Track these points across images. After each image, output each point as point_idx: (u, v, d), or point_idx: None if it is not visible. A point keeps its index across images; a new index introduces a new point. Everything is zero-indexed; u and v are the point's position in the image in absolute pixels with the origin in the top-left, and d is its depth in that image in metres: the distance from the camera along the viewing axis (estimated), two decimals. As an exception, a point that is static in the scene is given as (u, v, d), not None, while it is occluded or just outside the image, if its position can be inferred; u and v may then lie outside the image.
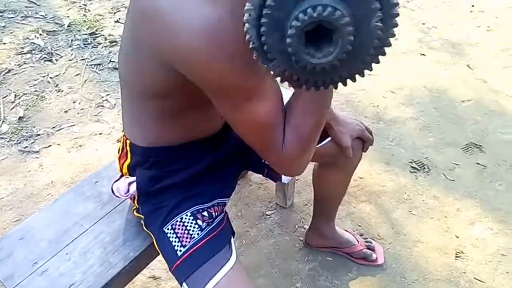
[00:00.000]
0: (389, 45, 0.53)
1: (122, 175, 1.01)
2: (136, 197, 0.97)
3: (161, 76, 0.74)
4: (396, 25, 0.52)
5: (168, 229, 0.93)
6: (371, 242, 1.52)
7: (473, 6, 3.20)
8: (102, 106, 2.14)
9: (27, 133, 1.96)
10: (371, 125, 2.10)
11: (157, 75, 0.74)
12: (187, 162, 0.96)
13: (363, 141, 1.18)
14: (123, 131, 0.98)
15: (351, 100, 2.25)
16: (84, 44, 2.55)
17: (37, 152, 1.88)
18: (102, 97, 2.20)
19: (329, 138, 1.14)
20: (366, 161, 1.87)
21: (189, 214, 0.94)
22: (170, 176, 0.95)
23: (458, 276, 1.47)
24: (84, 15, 2.81)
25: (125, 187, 0.96)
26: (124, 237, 1.05)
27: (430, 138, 2.05)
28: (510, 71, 2.53)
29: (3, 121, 2.01)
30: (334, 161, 1.20)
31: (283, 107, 0.77)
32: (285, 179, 1.32)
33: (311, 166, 1.52)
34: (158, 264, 1.45)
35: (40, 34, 2.58)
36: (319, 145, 1.14)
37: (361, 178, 1.81)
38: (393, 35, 0.52)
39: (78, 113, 2.09)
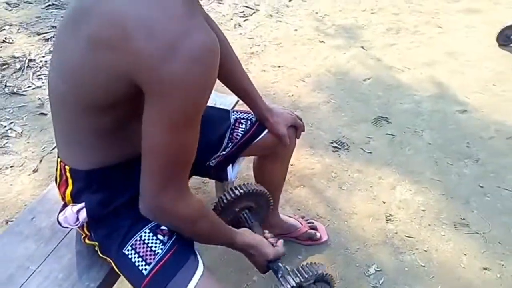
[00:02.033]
0: None
1: (65, 204, 0.95)
2: (85, 224, 0.92)
3: (115, 86, 0.72)
4: None
5: (128, 250, 0.90)
6: (312, 222, 1.62)
7: (356, -8, 3.50)
8: (7, 136, 1.95)
9: None
10: (290, 113, 2.21)
11: (112, 85, 0.72)
12: (134, 178, 0.93)
13: (296, 128, 1.26)
14: (58, 156, 0.92)
15: (267, 93, 2.34)
16: (-31, 71, 2.28)
17: None
18: (5, 126, 1.99)
19: (266, 131, 1.19)
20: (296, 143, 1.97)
21: (147, 231, 0.91)
22: (120, 196, 0.91)
23: (392, 237, 1.63)
24: (-38, 38, 2.51)
25: (73, 216, 0.90)
26: (78, 270, 0.98)
27: (343, 117, 2.22)
28: (397, 48, 2.83)
29: None
30: (272, 151, 1.26)
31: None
32: (232, 175, 1.33)
33: (249, 160, 1.56)
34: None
35: None
36: (259, 137, 1.19)
37: (292, 165, 1.90)
38: None
39: (-21, 148, 1.88)
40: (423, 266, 1.53)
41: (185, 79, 0.66)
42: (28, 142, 1.92)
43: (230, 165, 1.22)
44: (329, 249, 1.59)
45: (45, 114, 2.07)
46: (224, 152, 1.18)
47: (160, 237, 0.91)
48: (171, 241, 0.91)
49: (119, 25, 0.66)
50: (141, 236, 0.90)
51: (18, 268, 0.97)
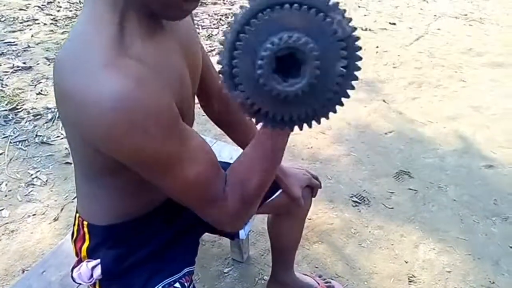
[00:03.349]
0: (347, 95, 0.57)
1: (80, 260, 0.95)
2: (97, 281, 0.92)
3: (96, 154, 0.70)
4: (356, 78, 0.55)
5: None
6: (330, 282, 1.56)
7: (377, 47, 3.57)
8: (33, 184, 2.01)
9: None
10: (308, 166, 2.20)
11: (92, 154, 0.71)
12: (150, 233, 0.93)
13: (312, 188, 1.23)
14: (76, 212, 0.93)
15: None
16: (4, 121, 2.41)
17: (-39, 246, 1.69)
18: (31, 174, 2.06)
19: (280, 190, 1.18)
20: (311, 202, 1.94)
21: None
22: (136, 251, 0.91)
23: (414, 300, 1.54)
24: (2, 90, 2.67)
25: (88, 273, 0.90)
26: (83, 328, 0.97)
27: (364, 171, 2.19)
28: (419, 101, 2.82)
29: None
30: (287, 210, 1.23)
31: (215, 160, 0.75)
32: (242, 234, 1.32)
33: (263, 216, 1.54)
34: None
35: (-48, 116, 2.40)
36: (271, 198, 1.17)
37: (309, 219, 1.87)
38: (353, 87, 0.56)
39: (6, 196, 1.94)
40: (449, 334, 1.42)
41: (118, 134, 0.60)
42: (51, 191, 1.97)
43: None
44: (347, 311, 1.51)
45: (70, 163, 2.14)
46: None
47: None
48: None
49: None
50: None
51: (24, 324, 0.97)
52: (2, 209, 1.87)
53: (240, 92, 0.56)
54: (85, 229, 0.90)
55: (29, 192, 1.97)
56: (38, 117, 2.46)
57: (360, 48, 0.55)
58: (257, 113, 0.58)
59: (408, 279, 1.62)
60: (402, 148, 2.36)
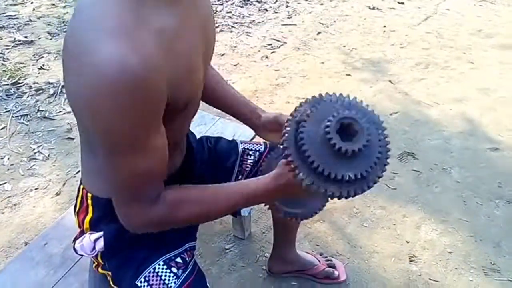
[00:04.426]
0: (380, 173, 0.68)
1: (82, 231, 0.94)
2: (99, 253, 0.92)
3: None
4: (384, 167, 0.68)
5: (141, 282, 0.88)
6: (331, 260, 1.56)
7: (385, 26, 3.50)
8: (35, 158, 2.01)
9: (-50, 198, 1.77)
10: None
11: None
12: None
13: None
14: (81, 183, 0.92)
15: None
16: (6, 95, 2.39)
17: (-36, 218, 1.70)
18: (33, 149, 2.06)
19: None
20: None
21: (161, 263, 0.90)
22: None
23: (415, 280, 1.54)
24: (3, 64, 2.65)
25: (90, 245, 0.90)
26: (85, 299, 0.98)
27: (368, 151, 2.17)
28: (426, 83, 2.78)
29: None
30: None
31: (165, 165, 0.73)
32: (244, 212, 1.31)
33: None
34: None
35: (-46, 89, 2.39)
36: None
37: (312, 198, 1.86)
38: (382, 172, 0.68)
39: (8, 169, 1.94)
40: (449, 314, 1.43)
41: (94, 98, 0.58)
42: (53, 165, 1.97)
43: None
44: (347, 289, 1.51)
45: (72, 139, 2.13)
46: None
47: (174, 270, 0.90)
48: (185, 275, 0.90)
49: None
50: (154, 268, 0.89)
51: (26, 294, 0.98)
52: (5, 183, 1.87)
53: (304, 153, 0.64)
54: (89, 201, 0.89)
55: (31, 167, 1.96)
56: (40, 92, 2.44)
57: (388, 157, 0.68)
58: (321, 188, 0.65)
59: (409, 258, 1.62)
60: (407, 129, 2.33)
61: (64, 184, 1.87)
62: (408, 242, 1.69)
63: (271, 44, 3.19)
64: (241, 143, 1.21)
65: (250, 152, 1.18)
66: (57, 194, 1.83)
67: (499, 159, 2.13)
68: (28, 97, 2.40)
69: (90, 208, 0.90)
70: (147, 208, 0.73)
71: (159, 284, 0.87)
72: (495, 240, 1.69)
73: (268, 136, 1.07)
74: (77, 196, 0.94)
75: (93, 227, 0.91)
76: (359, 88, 2.68)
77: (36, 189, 1.85)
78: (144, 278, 0.88)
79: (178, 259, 0.91)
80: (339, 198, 0.66)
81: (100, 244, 0.89)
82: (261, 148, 1.20)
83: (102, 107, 0.58)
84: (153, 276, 0.88)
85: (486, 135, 2.30)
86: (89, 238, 0.89)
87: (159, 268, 0.89)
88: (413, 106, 2.54)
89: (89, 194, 0.89)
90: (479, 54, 3.12)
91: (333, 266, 1.53)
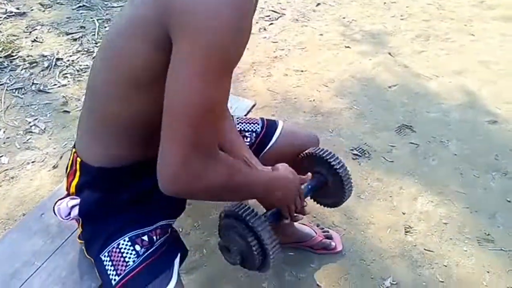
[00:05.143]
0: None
1: (68, 194, 0.94)
2: (80, 220, 0.92)
3: (149, 57, 0.69)
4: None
5: (104, 256, 0.87)
6: (328, 231, 1.57)
7: (385, -3, 3.43)
8: (31, 132, 1.99)
9: None
10: (310, 119, 2.17)
11: (145, 57, 0.69)
12: (134, 185, 0.90)
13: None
14: (73, 147, 0.92)
15: (288, 97, 2.31)
16: (0, 68, 2.36)
17: (-38, 191, 1.70)
18: (29, 122, 2.04)
19: (274, 138, 1.17)
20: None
21: (127, 239, 0.88)
22: (116, 199, 0.89)
23: (410, 250, 1.56)
24: (-5, 37, 2.60)
25: (66, 210, 0.89)
26: (81, 269, 0.98)
27: (365, 124, 2.16)
28: (426, 55, 2.75)
29: None
30: (289, 159, 1.22)
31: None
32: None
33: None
34: None
35: None
36: (268, 147, 1.17)
37: (309, 171, 1.86)
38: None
39: (4, 143, 1.93)
40: (442, 282, 1.45)
41: (220, 7, 0.59)
42: (50, 139, 1.96)
43: None
44: (343, 258, 1.53)
45: (68, 112, 2.11)
46: None
47: (137, 247, 0.87)
48: (146, 253, 0.87)
49: None
50: (118, 244, 0.88)
51: (24, 264, 0.98)
52: (1, 156, 1.87)
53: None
54: (77, 166, 0.89)
55: (27, 140, 1.95)
56: (34, 64, 2.41)
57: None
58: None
59: (405, 229, 1.64)
60: (405, 102, 2.32)
61: (61, 157, 1.87)
62: (404, 214, 1.70)
63: (269, 16, 3.13)
64: (238, 123, 1.19)
65: (247, 134, 1.17)
66: (54, 167, 1.82)
67: (497, 131, 2.13)
68: (22, 70, 2.37)
69: (78, 173, 0.89)
70: (211, 166, 0.68)
71: (119, 260, 0.86)
72: (490, 211, 1.71)
73: None
74: (69, 158, 0.95)
75: (78, 192, 0.90)
76: (358, 61, 2.65)
77: (33, 162, 1.85)
78: (108, 252, 0.87)
79: (145, 237, 0.88)
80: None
81: (75, 212, 0.88)
82: (258, 128, 1.18)
83: (227, 22, 0.60)
84: (115, 252, 0.87)
85: (485, 108, 2.29)
86: (66, 203, 0.89)
87: (123, 244, 0.87)
88: (412, 78, 2.52)
89: (78, 159, 0.89)
90: (481, 26, 3.08)
91: (329, 237, 1.55)
